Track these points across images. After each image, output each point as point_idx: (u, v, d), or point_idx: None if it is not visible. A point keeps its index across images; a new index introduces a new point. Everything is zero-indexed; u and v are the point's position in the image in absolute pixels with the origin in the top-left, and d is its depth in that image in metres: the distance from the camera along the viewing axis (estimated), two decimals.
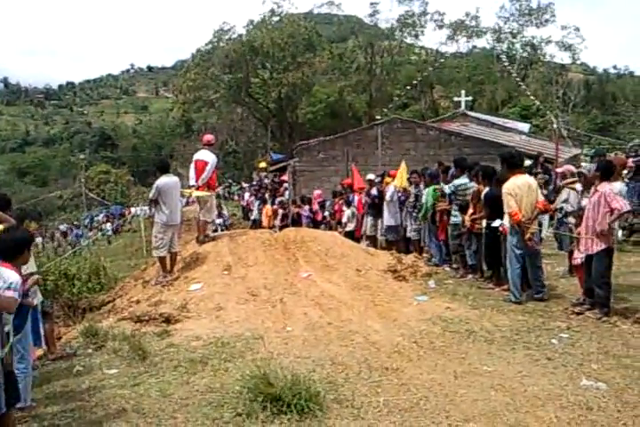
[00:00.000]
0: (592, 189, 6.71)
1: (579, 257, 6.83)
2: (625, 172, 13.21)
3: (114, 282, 11.52)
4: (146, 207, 42.29)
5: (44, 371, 5.60)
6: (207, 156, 9.73)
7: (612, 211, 6.36)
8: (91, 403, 4.49)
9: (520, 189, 7.09)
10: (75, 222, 40.76)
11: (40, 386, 5.06)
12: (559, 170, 9.33)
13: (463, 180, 8.80)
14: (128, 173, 73.67)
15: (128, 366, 5.34)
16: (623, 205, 6.38)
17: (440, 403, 4.24)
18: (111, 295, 10.30)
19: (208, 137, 10.37)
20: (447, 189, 8.97)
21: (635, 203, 10.79)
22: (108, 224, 34.55)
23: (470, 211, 8.35)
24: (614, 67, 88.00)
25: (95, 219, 42.22)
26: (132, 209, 44.79)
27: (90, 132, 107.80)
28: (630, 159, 13.74)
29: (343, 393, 4.45)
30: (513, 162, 7.46)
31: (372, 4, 49.08)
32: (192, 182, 9.80)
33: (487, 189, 8.07)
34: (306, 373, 4.64)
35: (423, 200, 10.07)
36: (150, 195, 8.83)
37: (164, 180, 8.66)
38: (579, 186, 7.58)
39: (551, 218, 10.38)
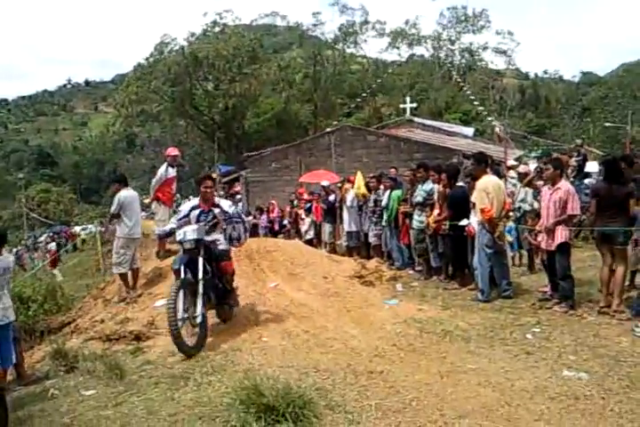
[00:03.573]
0: (548, 186, 6.97)
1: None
2: (569, 171, 13.76)
3: (71, 303, 11.15)
4: (90, 225, 41.34)
5: (15, 397, 5.37)
6: (161, 168, 9.61)
7: (565, 209, 6.66)
8: (74, 426, 4.32)
9: (493, 188, 7.31)
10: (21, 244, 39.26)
11: (14, 411, 4.85)
12: (521, 170, 9.63)
13: (430, 184, 8.95)
14: (70, 191, 71.74)
15: (106, 386, 5.16)
16: (577, 208, 6.71)
17: (431, 402, 4.27)
18: (70, 316, 9.95)
19: (168, 150, 10.12)
20: (420, 198, 9.05)
21: (581, 200, 11.22)
22: (53, 244, 33.36)
23: (436, 211, 8.50)
24: (545, 71, 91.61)
25: (39, 239, 40.78)
26: (76, 228, 43.56)
27: (27, 150, 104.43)
28: (573, 159, 14.32)
29: (333, 399, 4.43)
30: (487, 161, 7.72)
31: (314, 13, 49.75)
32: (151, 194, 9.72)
33: (449, 190, 8.27)
34: (294, 381, 4.59)
35: (384, 204, 10.20)
36: (112, 209, 8.61)
37: (126, 193, 8.52)
38: (540, 183, 7.84)
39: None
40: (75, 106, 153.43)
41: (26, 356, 7.71)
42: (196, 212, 6.62)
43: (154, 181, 9.49)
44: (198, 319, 5.98)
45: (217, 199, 6.93)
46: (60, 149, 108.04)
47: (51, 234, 41.82)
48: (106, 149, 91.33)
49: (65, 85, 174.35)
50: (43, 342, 9.18)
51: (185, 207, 6.88)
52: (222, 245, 6.66)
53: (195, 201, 6.89)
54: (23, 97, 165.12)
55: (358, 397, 4.48)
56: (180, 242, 6.26)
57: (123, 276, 8.72)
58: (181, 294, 5.85)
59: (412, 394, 4.45)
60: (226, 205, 6.86)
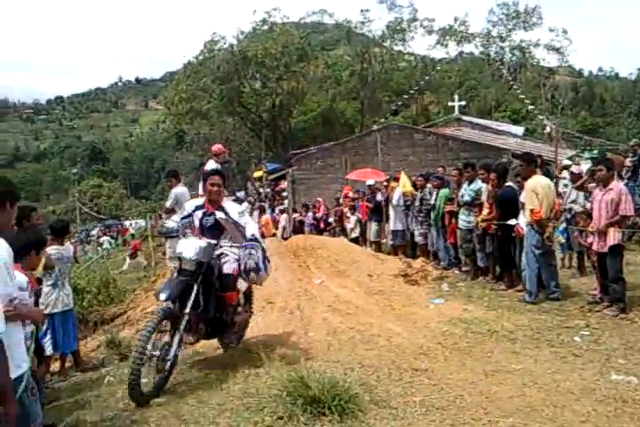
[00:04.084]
0: (600, 188, 6.86)
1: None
2: (623, 172, 13.41)
3: (123, 295, 11.53)
4: (141, 220, 42.38)
5: (74, 382, 5.64)
6: (209, 165, 9.73)
7: (617, 210, 6.56)
8: (128, 411, 4.51)
9: (542, 189, 7.24)
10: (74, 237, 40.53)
11: (72, 396, 5.10)
12: (574, 170, 9.47)
13: (478, 183, 8.90)
14: (121, 187, 73.67)
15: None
16: (630, 209, 6.57)
17: (476, 400, 4.29)
18: (122, 308, 10.32)
19: (214, 147, 10.28)
20: (468, 197, 9.01)
21: (635, 202, 10.95)
22: (104, 238, 34.35)
23: (486, 211, 8.43)
24: (600, 69, 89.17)
25: (91, 233, 42.05)
26: (127, 222, 44.72)
27: (80, 146, 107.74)
28: (628, 159, 13.93)
29: (378, 394, 4.49)
30: (535, 161, 7.66)
31: (362, 11, 49.49)
32: (200, 192, 9.84)
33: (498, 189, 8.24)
34: (339, 376, 4.67)
35: (431, 202, 10.19)
36: (168, 204, 8.83)
37: (181, 189, 8.75)
38: (592, 185, 7.71)
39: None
40: (126, 103, 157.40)
41: (81, 344, 8.07)
42: (200, 213, 5.51)
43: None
44: (167, 364, 4.81)
45: (224, 201, 5.65)
46: (111, 145, 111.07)
47: (102, 228, 43.09)
48: (155, 145, 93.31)
49: (116, 83, 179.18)
50: (96, 331, 9.57)
51: (189, 205, 5.75)
52: (228, 265, 5.38)
53: (200, 200, 5.81)
54: (77, 94, 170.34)
55: (403, 393, 4.53)
56: (179, 258, 5.16)
57: None
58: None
59: (457, 392, 4.48)
60: (233, 209, 5.54)
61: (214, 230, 5.41)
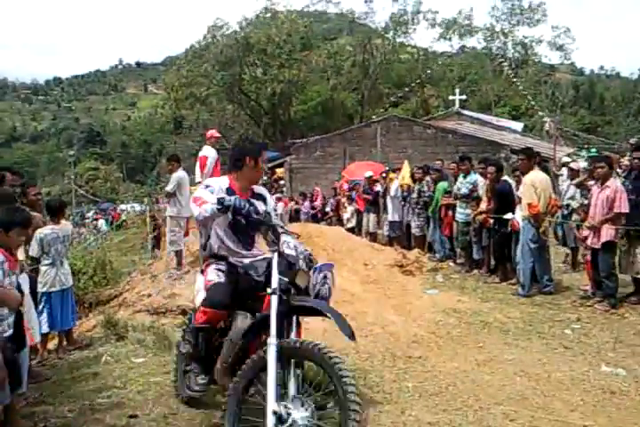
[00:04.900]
0: (597, 185, 6.95)
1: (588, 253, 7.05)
2: (619, 170, 13.50)
3: (119, 277, 11.57)
4: (136, 204, 42.33)
5: (71, 360, 5.71)
6: (208, 151, 9.64)
7: (612, 207, 6.64)
8: (126, 389, 4.59)
9: (541, 183, 7.33)
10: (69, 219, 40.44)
11: (70, 373, 5.17)
12: (573, 166, 9.55)
13: (474, 176, 8.99)
14: (117, 170, 73.50)
15: (155, 355, 5.42)
16: (625, 207, 6.64)
17: (468, 388, 4.39)
18: (118, 289, 10.36)
19: (209, 132, 10.25)
20: (465, 189, 9.08)
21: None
22: (101, 221, 34.30)
23: (484, 205, 8.52)
24: (601, 67, 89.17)
25: (87, 215, 41.97)
26: (122, 206, 44.62)
27: (78, 128, 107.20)
28: (626, 158, 13.99)
29: (372, 380, 4.60)
30: (535, 157, 7.74)
31: (366, 1, 49.13)
32: (197, 179, 9.75)
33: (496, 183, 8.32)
34: None
35: (428, 194, 10.28)
36: (169, 188, 8.84)
37: (182, 173, 8.79)
38: (591, 182, 7.78)
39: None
40: (125, 86, 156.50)
41: (76, 325, 8.13)
42: (232, 200, 3.52)
43: (209, 163, 9.54)
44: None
45: (256, 187, 4.03)
46: (108, 128, 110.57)
47: (97, 211, 42.99)
48: (153, 130, 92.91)
49: (116, 66, 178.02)
50: (91, 312, 9.61)
51: (218, 185, 3.80)
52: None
53: (224, 180, 3.91)
54: (76, 76, 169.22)
55: (396, 379, 4.63)
56: (290, 262, 3.57)
57: (178, 253, 9.02)
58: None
59: (449, 379, 4.58)
60: (270, 199, 4.10)
61: (253, 227, 3.85)
